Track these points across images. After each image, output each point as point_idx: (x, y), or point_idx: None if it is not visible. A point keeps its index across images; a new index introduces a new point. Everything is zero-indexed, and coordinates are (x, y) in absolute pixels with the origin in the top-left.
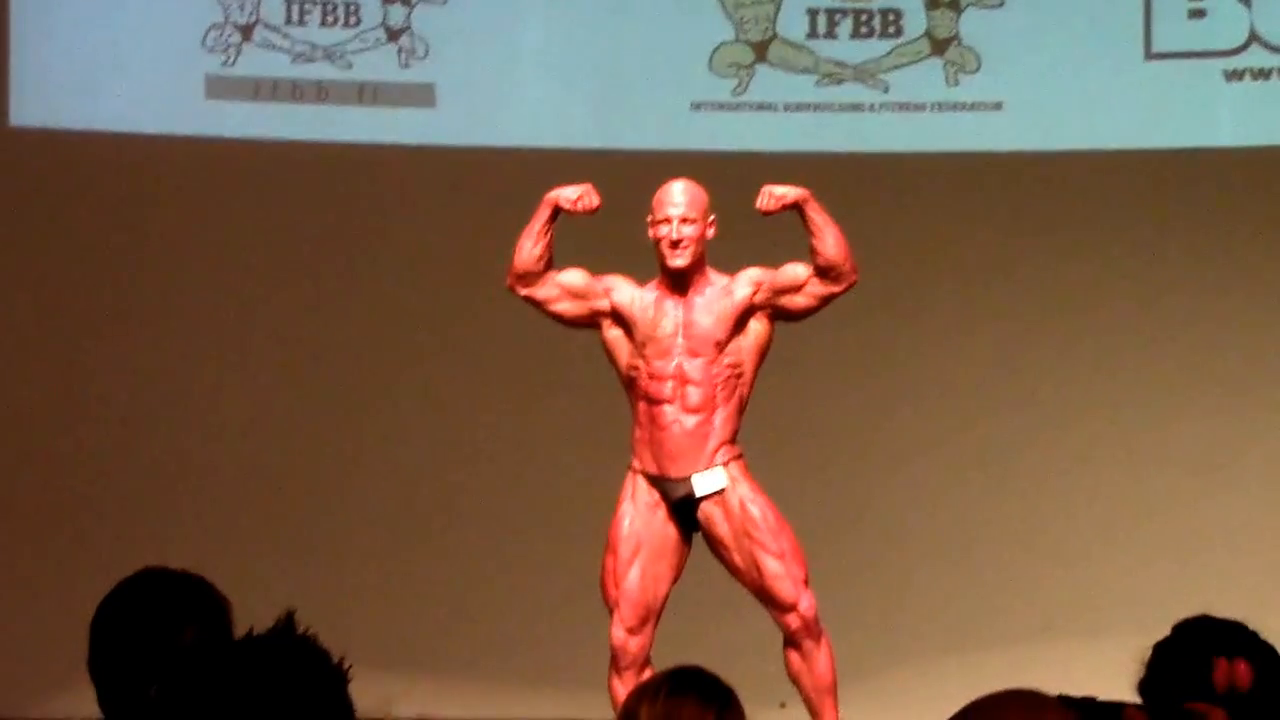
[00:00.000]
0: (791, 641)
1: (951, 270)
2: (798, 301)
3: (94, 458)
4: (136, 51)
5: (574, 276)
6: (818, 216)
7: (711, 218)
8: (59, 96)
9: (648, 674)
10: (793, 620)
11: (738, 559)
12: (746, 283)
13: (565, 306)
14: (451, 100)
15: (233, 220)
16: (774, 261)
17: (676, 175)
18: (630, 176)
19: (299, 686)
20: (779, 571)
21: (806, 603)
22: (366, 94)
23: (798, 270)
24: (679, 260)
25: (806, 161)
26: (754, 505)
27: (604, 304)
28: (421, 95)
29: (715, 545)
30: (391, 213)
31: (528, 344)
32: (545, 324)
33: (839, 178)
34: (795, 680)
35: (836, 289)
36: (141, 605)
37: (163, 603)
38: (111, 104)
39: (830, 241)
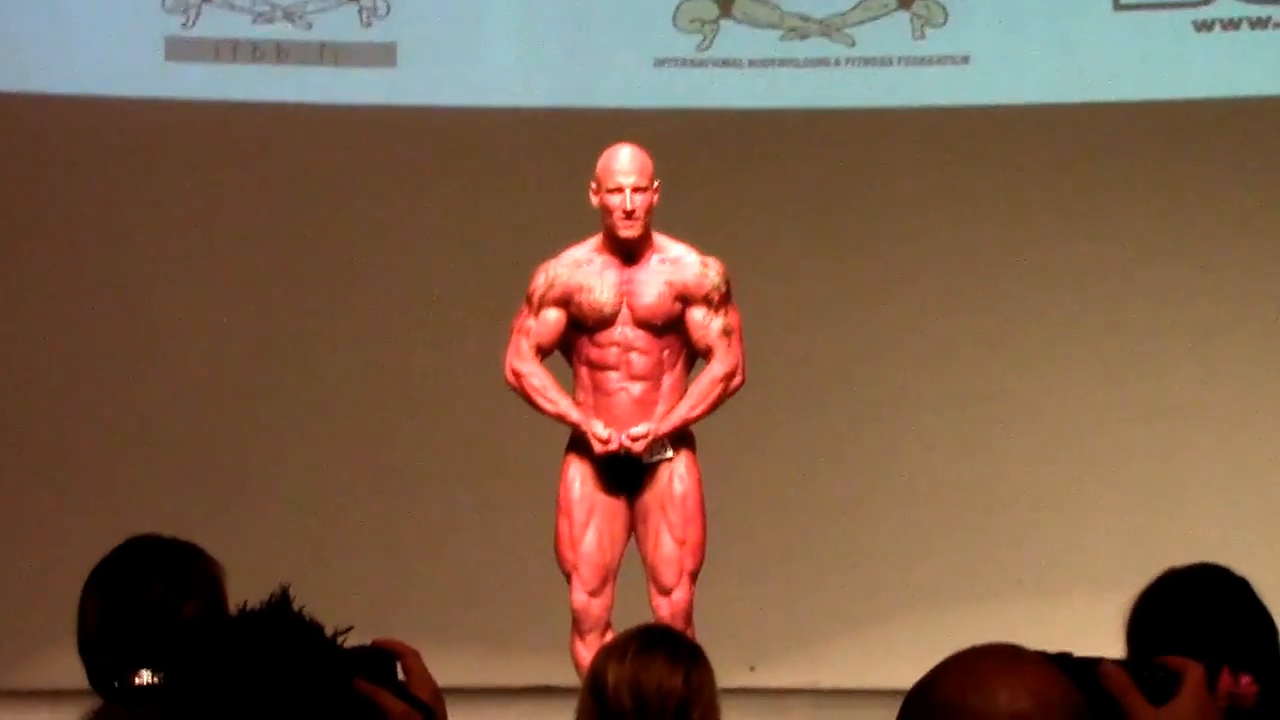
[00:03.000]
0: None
1: (920, 224)
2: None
3: (58, 423)
4: (95, 14)
5: (545, 329)
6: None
7: (656, 183)
8: (17, 60)
9: (610, 636)
10: (663, 606)
11: (643, 528)
12: (682, 287)
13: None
14: (413, 59)
15: (194, 182)
16: (752, 226)
17: (641, 133)
18: (594, 134)
19: (300, 665)
20: (671, 556)
21: (681, 594)
22: (327, 54)
23: (707, 332)
24: (631, 231)
25: (772, 118)
26: (680, 484)
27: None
28: (383, 55)
29: (636, 509)
30: (353, 173)
31: (489, 304)
32: (505, 285)
33: (805, 133)
34: None
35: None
36: (139, 578)
37: (161, 575)
38: (70, 67)
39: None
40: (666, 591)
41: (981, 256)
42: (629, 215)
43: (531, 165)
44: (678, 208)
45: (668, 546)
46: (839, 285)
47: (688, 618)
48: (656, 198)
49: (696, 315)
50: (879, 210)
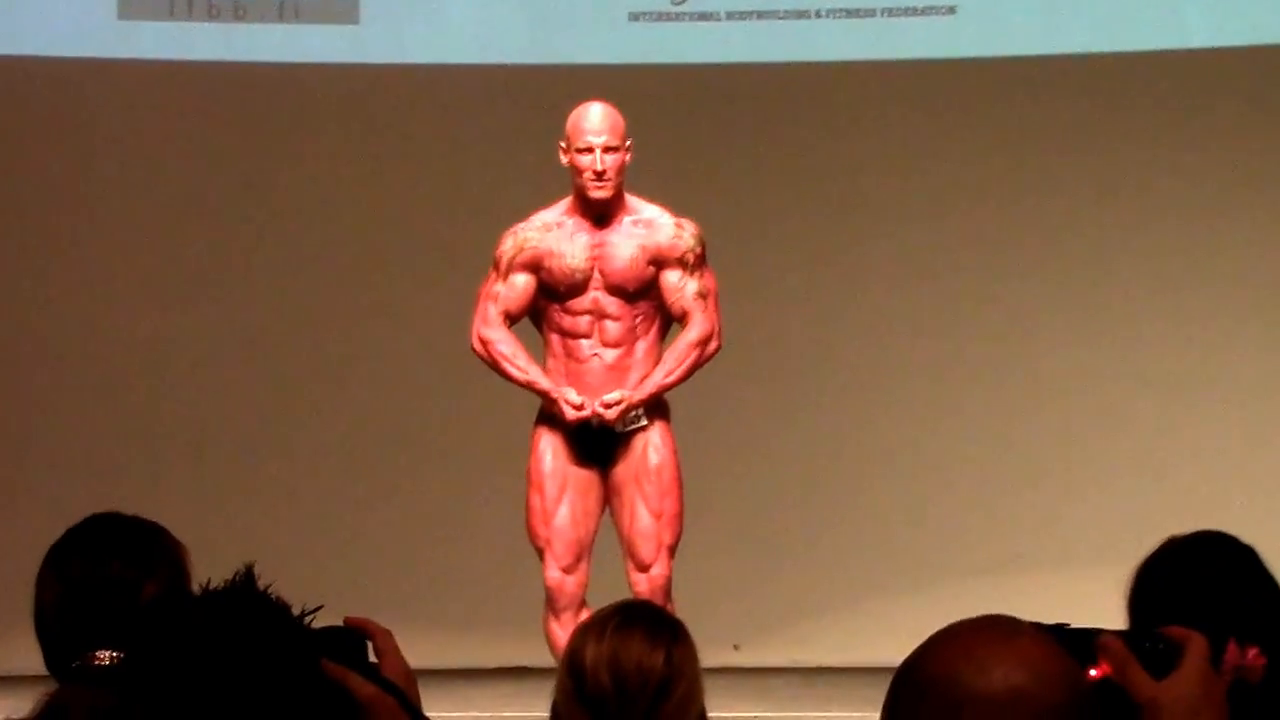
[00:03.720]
0: None
1: (904, 181)
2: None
3: (14, 400)
4: None
5: (514, 295)
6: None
7: (628, 142)
8: None
9: (586, 614)
10: (641, 582)
11: (618, 500)
12: (655, 250)
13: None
14: (376, 15)
15: (148, 147)
16: (729, 185)
17: (614, 89)
18: (566, 92)
19: (265, 646)
20: (648, 530)
21: (660, 570)
22: (287, 10)
23: (681, 295)
24: (602, 193)
25: (750, 73)
26: (655, 455)
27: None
28: (344, 11)
29: (610, 483)
30: (315, 135)
31: (457, 271)
32: (473, 252)
33: (784, 89)
34: None
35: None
36: (98, 557)
37: (121, 554)
38: (17, 26)
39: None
40: (645, 567)
41: (970, 213)
42: (599, 176)
43: (501, 125)
44: (652, 167)
45: (644, 520)
46: (820, 247)
47: (667, 593)
48: (629, 158)
49: (671, 278)
50: (861, 167)
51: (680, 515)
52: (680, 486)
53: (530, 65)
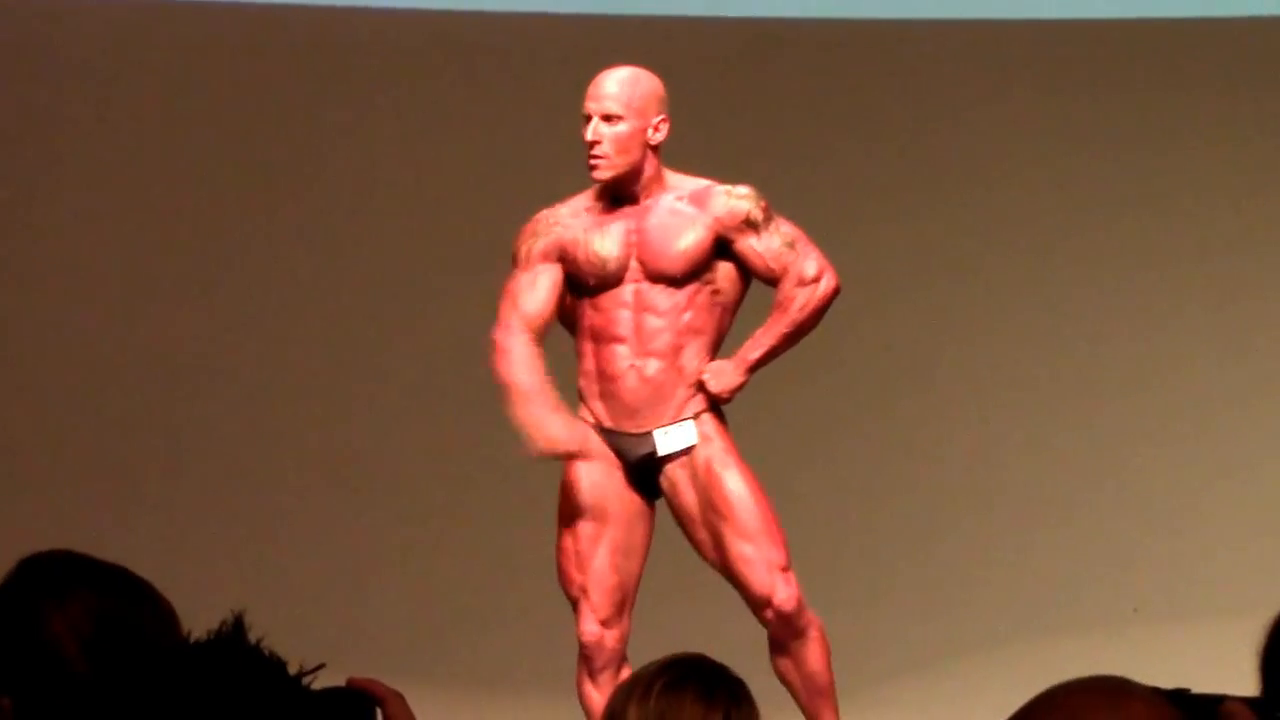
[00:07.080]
0: (773, 639)
1: (994, 168)
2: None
3: None
4: None
5: (541, 291)
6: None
7: (659, 117)
8: None
9: (626, 673)
10: (769, 615)
11: (703, 535)
12: (713, 224)
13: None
14: None
15: (125, 107)
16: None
17: (655, 43)
18: (615, 47)
19: (255, 711)
20: (750, 556)
21: (784, 593)
22: None
23: (767, 256)
24: (598, 172)
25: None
26: (724, 471)
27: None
28: None
29: (678, 517)
30: (324, 97)
31: (482, 263)
32: (503, 240)
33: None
34: (784, 682)
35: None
36: (36, 607)
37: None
38: None
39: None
40: (765, 601)
41: (1079, 208)
42: (590, 149)
43: (553, 86)
44: (728, 137)
45: (742, 549)
46: (913, 244)
47: (801, 614)
48: (659, 134)
49: (747, 246)
50: (927, 137)
51: (776, 521)
52: (763, 493)
53: (575, 15)
